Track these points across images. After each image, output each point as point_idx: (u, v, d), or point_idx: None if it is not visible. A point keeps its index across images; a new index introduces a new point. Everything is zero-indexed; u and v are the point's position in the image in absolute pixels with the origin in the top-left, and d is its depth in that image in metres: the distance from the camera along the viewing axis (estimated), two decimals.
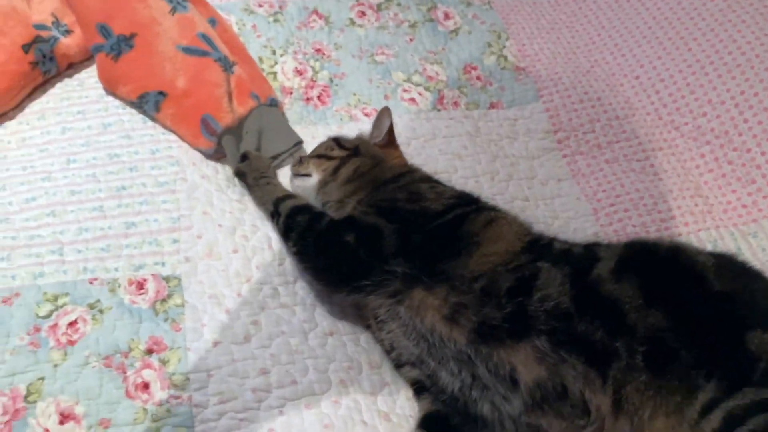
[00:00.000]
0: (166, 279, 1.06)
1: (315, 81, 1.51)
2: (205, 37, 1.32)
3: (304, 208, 1.11)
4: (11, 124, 1.28)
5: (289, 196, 1.16)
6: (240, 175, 1.23)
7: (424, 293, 0.98)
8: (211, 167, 1.26)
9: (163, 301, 1.04)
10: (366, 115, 1.47)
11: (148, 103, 1.27)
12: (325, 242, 1.04)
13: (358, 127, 1.43)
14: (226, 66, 1.30)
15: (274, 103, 1.35)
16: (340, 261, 1.02)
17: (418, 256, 0.99)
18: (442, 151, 1.39)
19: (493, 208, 1.11)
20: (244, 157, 1.23)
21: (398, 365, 1.07)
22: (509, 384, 0.94)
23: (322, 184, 1.19)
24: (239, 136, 1.25)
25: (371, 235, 1.01)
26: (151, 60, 1.28)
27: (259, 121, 1.28)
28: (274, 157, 1.28)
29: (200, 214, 1.16)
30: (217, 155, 1.26)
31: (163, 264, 1.08)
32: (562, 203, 1.37)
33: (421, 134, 1.42)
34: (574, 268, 0.98)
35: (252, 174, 1.21)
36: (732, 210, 1.36)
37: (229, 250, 1.13)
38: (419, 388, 1.05)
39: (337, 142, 1.25)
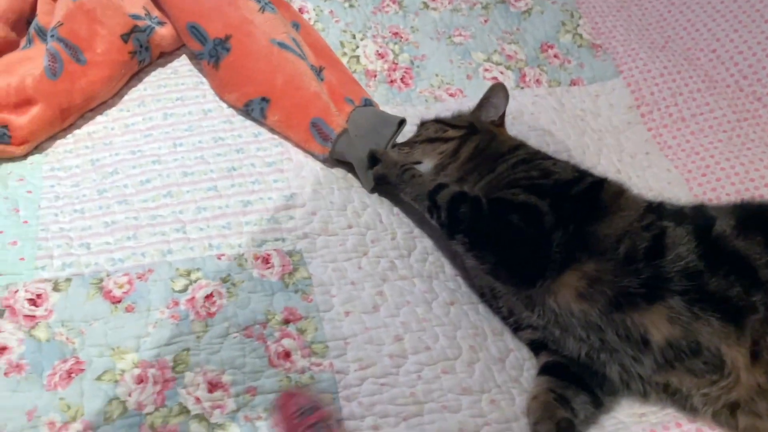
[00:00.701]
0: (289, 254, 1.08)
1: (397, 63, 1.53)
2: (295, 42, 1.34)
3: (461, 196, 1.05)
4: (112, 112, 1.31)
5: (440, 185, 1.09)
6: (381, 178, 1.17)
7: (567, 273, 0.98)
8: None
9: (290, 274, 1.06)
10: (451, 95, 1.49)
11: (254, 110, 1.27)
12: (494, 228, 1.01)
13: (445, 107, 1.45)
14: (316, 74, 1.31)
15: (368, 104, 1.34)
16: (514, 244, 1.00)
17: (572, 224, 0.99)
18: (531, 127, 1.41)
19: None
20: (374, 159, 1.18)
21: (517, 329, 1.08)
22: (640, 345, 0.96)
23: (440, 168, 1.18)
24: (350, 141, 1.22)
25: (532, 212, 1.00)
26: (248, 62, 1.28)
27: (361, 121, 1.26)
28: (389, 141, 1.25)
29: (311, 192, 1.18)
30: (331, 160, 1.24)
31: (284, 240, 1.10)
32: (654, 175, 1.38)
33: (509, 111, 1.42)
34: (694, 226, 0.99)
35: (393, 172, 1.15)
36: None
37: (343, 225, 1.15)
38: (538, 347, 1.06)
39: (444, 123, 1.24)
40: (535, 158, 1.14)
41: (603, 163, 1.38)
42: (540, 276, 0.98)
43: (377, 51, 1.53)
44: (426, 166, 1.19)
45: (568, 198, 1.03)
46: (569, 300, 0.98)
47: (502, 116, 1.26)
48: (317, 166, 1.24)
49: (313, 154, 1.25)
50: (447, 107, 1.45)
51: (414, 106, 1.45)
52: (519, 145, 1.19)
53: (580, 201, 1.03)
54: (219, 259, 1.06)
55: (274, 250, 1.09)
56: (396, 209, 1.22)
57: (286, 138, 1.27)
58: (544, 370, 1.02)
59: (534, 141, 1.38)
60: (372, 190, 1.22)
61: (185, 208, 1.13)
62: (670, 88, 1.51)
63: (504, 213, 1.01)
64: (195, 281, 1.02)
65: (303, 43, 1.39)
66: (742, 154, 1.39)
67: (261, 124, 1.29)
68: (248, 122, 1.29)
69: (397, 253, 1.13)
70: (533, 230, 0.99)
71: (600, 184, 1.07)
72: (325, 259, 1.09)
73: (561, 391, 0.97)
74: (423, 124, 1.29)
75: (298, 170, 1.22)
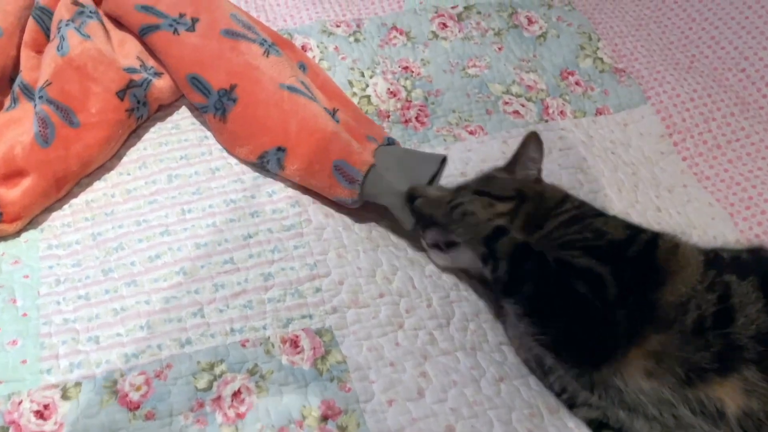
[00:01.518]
0: (318, 333, 0.99)
1: (410, 101, 1.43)
2: (304, 84, 1.24)
3: (525, 249, 0.93)
4: (111, 176, 1.20)
5: (499, 230, 0.96)
6: (424, 217, 1.05)
7: (632, 350, 0.89)
8: (331, 203, 1.18)
9: (323, 358, 0.96)
10: (471, 133, 1.39)
11: (270, 162, 1.17)
12: (560, 293, 0.91)
13: (465, 147, 1.36)
14: (331, 116, 1.21)
15: (392, 142, 1.24)
16: (580, 316, 0.89)
17: (633, 294, 0.90)
18: (561, 165, 1.32)
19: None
20: (413, 197, 1.06)
21: (572, 406, 0.99)
22: (716, 419, 0.87)
23: None
24: (380, 178, 1.12)
25: (596, 281, 0.91)
26: (258, 111, 1.18)
27: (390, 159, 1.16)
28: (430, 182, 1.15)
29: (335, 258, 1.09)
30: (357, 205, 1.15)
31: (311, 317, 1.01)
32: (695, 210, 1.30)
33: None
34: (759, 277, 0.91)
35: (439, 210, 1.02)
36: None
37: (374, 295, 1.05)
38: (599, 426, 0.97)
39: (489, 195, 1.08)
40: (585, 215, 1.04)
41: (641, 200, 1.30)
42: (608, 356, 0.89)
43: (389, 89, 1.44)
44: None
45: (625, 263, 0.94)
46: (638, 379, 0.88)
47: (540, 169, 1.16)
48: (339, 226, 1.14)
49: (339, 201, 1.15)
50: (468, 147, 1.36)
51: (432, 147, 1.35)
52: (564, 198, 1.09)
53: (638, 265, 0.94)
54: (243, 346, 0.96)
55: (302, 329, 0.99)
56: (428, 269, 1.12)
57: (308, 187, 1.17)
58: None
59: (566, 180, 1.30)
60: (413, 229, 1.12)
61: (201, 286, 1.02)
62: (702, 113, 1.43)
63: (569, 277, 0.91)
64: (220, 376, 0.92)
65: (312, 85, 1.29)
66: None
67: (274, 179, 1.19)
68: (260, 179, 1.19)
69: (436, 322, 1.04)
70: (599, 302, 0.89)
71: (654, 242, 0.98)
72: (358, 337, 0.99)
73: None
74: (460, 193, 1.10)
75: (319, 233, 1.12)
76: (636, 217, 1.25)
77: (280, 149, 1.17)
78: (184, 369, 0.92)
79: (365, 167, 1.13)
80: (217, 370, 0.93)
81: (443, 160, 1.17)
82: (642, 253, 0.96)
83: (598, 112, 1.45)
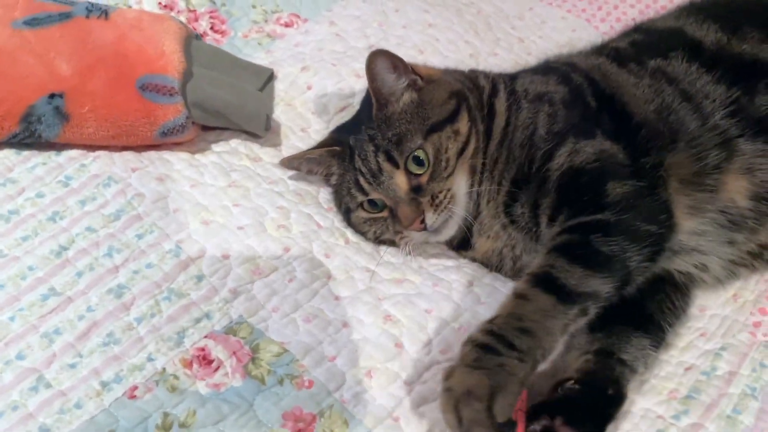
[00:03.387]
0: (230, 331, 0.69)
1: (194, 10, 1.09)
2: None
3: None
4: None
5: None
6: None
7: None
8: (162, 162, 0.85)
9: (254, 360, 0.67)
10: (287, 25, 1.10)
11: (43, 117, 0.81)
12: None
13: (289, 44, 1.07)
14: (102, 12, 0.87)
15: (197, 37, 0.98)
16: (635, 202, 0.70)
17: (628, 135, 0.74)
18: (407, 26, 1.10)
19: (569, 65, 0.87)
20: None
21: None
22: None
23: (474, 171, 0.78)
24: (203, 81, 0.87)
25: (610, 161, 0.72)
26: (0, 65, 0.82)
27: (206, 58, 0.92)
28: (262, 89, 0.95)
29: (202, 227, 0.78)
30: (190, 128, 0.86)
31: (208, 316, 0.70)
32: (553, 29, 1.17)
33: (371, 17, 1.11)
34: (682, 51, 0.80)
35: None
36: None
37: (276, 252, 0.77)
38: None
39: (435, 128, 0.77)
40: (514, 85, 0.82)
41: (501, 37, 1.13)
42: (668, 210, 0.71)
43: (160, 3, 1.08)
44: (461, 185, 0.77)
45: (599, 116, 0.77)
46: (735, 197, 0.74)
47: (410, 68, 0.80)
48: (185, 186, 0.82)
49: (168, 134, 0.84)
50: (293, 41, 1.07)
51: (250, 57, 1.04)
52: (472, 78, 0.84)
53: (604, 106, 0.77)
54: (133, 398, 0.63)
55: (205, 337, 0.68)
56: (321, 197, 0.86)
57: (113, 142, 0.84)
58: None
59: (419, 39, 1.09)
60: (268, 131, 0.90)
61: (24, 346, 0.66)
62: None
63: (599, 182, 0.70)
64: None
65: None
66: None
67: (58, 162, 0.82)
68: (40, 169, 0.82)
69: (367, 256, 0.79)
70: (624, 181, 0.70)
71: (571, 77, 0.82)
72: (284, 312, 0.72)
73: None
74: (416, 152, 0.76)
75: (163, 205, 0.79)
76: (505, 54, 1.10)
77: (53, 96, 0.82)
78: None
79: (179, 71, 0.85)
80: None
81: (270, 75, 0.98)
82: (582, 91, 0.79)
83: None
